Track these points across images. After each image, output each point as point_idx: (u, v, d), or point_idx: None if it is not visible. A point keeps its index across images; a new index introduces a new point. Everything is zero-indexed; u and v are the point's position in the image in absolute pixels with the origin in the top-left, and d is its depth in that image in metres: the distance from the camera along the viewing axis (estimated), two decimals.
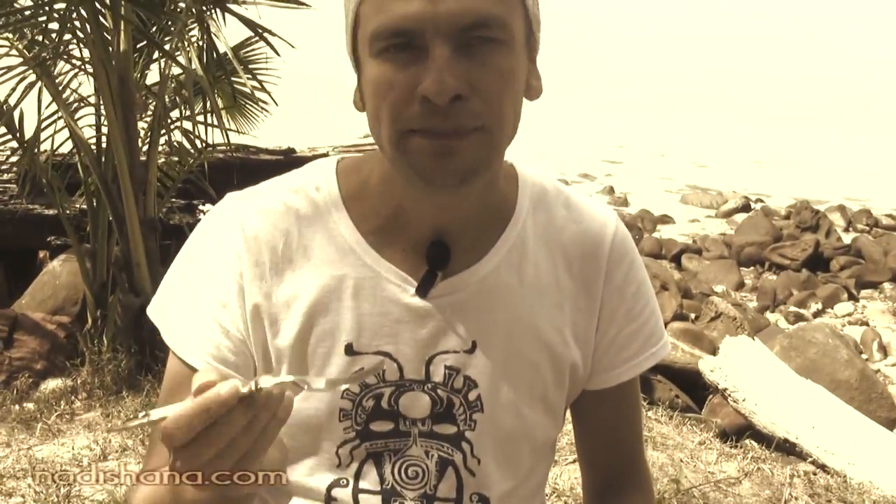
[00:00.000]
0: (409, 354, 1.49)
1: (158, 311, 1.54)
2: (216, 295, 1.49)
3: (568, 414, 1.71)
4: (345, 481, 1.53)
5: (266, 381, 1.08)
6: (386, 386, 1.50)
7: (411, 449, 1.52)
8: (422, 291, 1.47)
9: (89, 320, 6.65)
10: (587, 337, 1.58)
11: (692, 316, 10.70)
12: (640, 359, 1.63)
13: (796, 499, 4.72)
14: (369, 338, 1.48)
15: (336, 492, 1.53)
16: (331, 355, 1.48)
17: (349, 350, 1.48)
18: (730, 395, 6.97)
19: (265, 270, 1.48)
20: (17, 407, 5.64)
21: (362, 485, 1.53)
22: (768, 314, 13.13)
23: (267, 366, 1.50)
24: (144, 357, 5.85)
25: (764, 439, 6.40)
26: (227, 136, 6.54)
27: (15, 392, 5.87)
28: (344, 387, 1.48)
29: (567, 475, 4.60)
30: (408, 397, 1.50)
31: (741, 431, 6.80)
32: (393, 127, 1.32)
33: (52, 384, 6.07)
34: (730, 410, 7.16)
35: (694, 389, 7.90)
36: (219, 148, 7.06)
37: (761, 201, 20.92)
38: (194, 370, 1.45)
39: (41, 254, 8.44)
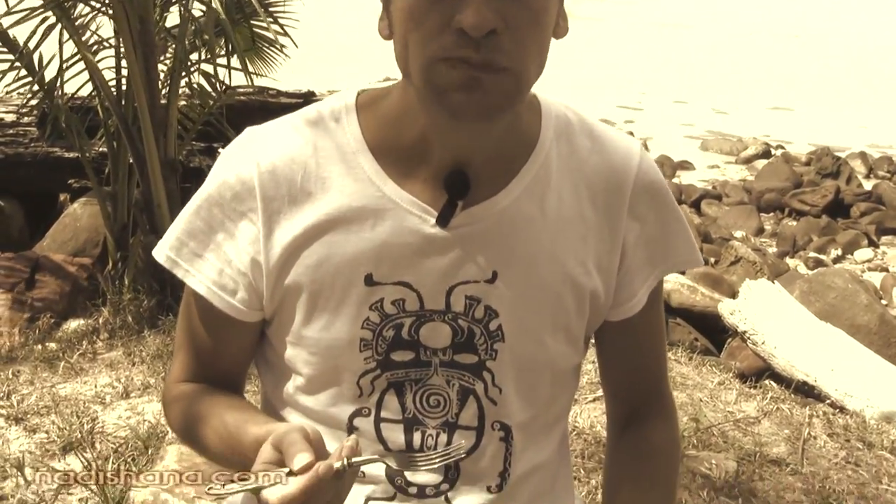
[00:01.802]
0: (430, 285, 1.49)
1: (167, 242, 1.57)
2: (225, 226, 1.51)
3: (591, 355, 1.71)
4: (366, 411, 1.54)
5: (356, 459, 1.26)
6: (406, 316, 1.50)
7: (432, 378, 1.53)
8: (442, 221, 1.46)
9: (110, 262, 6.69)
10: (610, 268, 1.57)
11: (712, 260, 10.68)
12: (657, 283, 1.65)
13: (815, 438, 4.72)
14: (389, 268, 1.48)
15: (358, 421, 1.54)
16: (350, 286, 1.48)
17: (369, 280, 1.48)
18: (749, 338, 6.97)
19: (283, 204, 1.48)
20: (39, 347, 5.67)
21: (384, 414, 1.54)
22: (788, 260, 13.09)
23: (283, 301, 1.52)
24: (165, 297, 5.87)
25: (783, 381, 6.41)
26: (249, 77, 6.53)
27: (37, 332, 5.90)
28: (428, 464, 1.49)
29: (587, 414, 4.62)
30: (428, 327, 1.50)
31: (760, 374, 6.78)
32: (423, 54, 1.32)
33: (73, 324, 6.12)
34: (748, 353, 7.15)
35: (713, 333, 7.90)
36: (239, 90, 7.04)
37: (782, 148, 20.79)
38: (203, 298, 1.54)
39: (62, 197, 8.47)
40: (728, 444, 4.51)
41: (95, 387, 4.91)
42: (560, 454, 1.73)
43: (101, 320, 5.94)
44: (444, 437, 1.55)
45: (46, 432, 4.38)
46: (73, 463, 4.09)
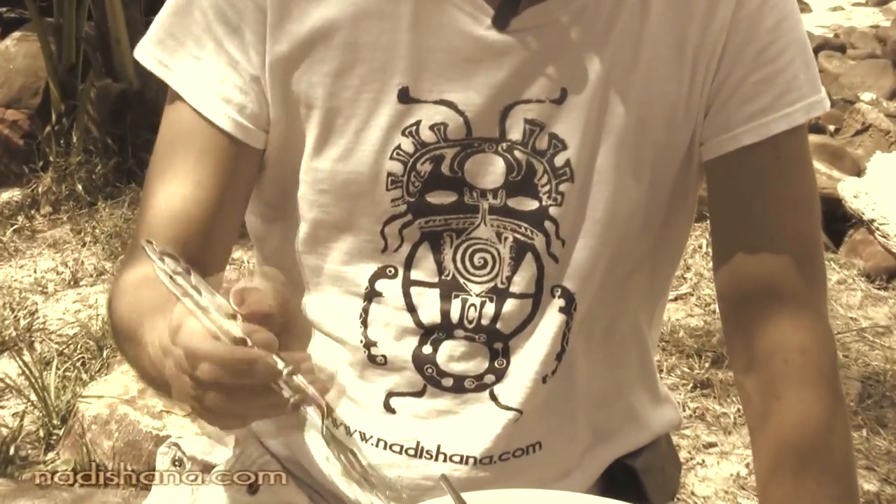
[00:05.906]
0: (480, 104, 1.43)
1: (151, 42, 1.50)
2: (226, 17, 1.45)
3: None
4: (392, 270, 1.50)
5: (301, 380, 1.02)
6: (448, 146, 1.45)
7: (479, 229, 1.48)
8: (500, 22, 1.41)
9: (53, 115, 6.65)
10: (706, 81, 1.49)
11: (831, 128, 10.56)
12: (769, 118, 1.48)
13: None
14: (431, 80, 1.43)
15: (381, 284, 1.51)
16: (379, 103, 1.43)
17: (404, 96, 1.43)
18: (878, 229, 6.89)
19: None
20: None
21: (414, 275, 1.50)
22: None
23: (288, 121, 1.47)
24: (125, 159, 5.86)
25: None
26: None
27: None
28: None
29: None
30: (476, 160, 1.46)
31: (891, 275, 6.73)
32: None
33: (5, 195, 6.12)
34: (876, 249, 7.07)
35: (830, 222, 7.80)
36: None
37: None
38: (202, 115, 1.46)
39: None
40: (850, 360, 4.49)
41: (35, 272, 4.94)
42: (641, 343, 1.68)
43: (41, 189, 5.94)
44: (490, 308, 1.50)
45: None
46: (7, 367, 4.10)
